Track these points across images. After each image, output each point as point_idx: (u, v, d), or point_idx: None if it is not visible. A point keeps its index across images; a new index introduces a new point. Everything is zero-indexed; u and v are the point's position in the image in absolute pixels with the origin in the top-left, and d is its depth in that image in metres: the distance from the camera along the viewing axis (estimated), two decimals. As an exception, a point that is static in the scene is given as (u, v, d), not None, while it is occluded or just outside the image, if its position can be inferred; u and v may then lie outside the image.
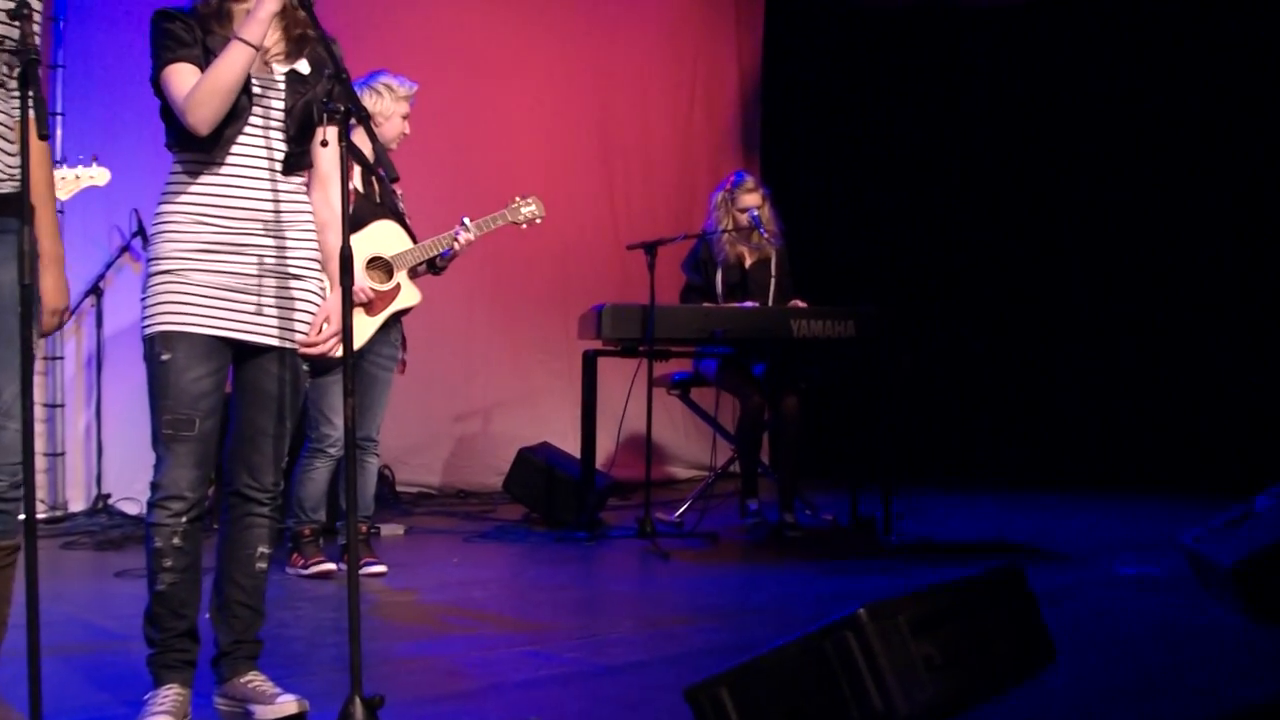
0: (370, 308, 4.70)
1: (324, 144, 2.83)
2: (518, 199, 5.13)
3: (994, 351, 8.82)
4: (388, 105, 4.84)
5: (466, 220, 4.93)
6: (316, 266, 2.95)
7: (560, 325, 7.72)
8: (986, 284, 8.86)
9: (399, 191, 4.94)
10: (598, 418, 5.91)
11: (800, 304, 5.88)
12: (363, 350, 4.72)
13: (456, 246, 4.89)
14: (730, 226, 6.01)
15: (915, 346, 5.86)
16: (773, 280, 6.08)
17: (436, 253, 4.87)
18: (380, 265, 4.76)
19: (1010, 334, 8.81)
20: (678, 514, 6.20)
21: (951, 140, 9.03)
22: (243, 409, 2.92)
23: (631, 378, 5.91)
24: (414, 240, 4.85)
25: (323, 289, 2.96)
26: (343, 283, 2.73)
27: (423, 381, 6.85)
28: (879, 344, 5.76)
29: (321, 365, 2.97)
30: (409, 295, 4.83)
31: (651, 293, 5.52)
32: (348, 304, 2.72)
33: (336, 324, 2.90)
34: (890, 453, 5.85)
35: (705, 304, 5.90)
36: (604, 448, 6.59)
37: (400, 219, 4.88)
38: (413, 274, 4.88)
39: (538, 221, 5.16)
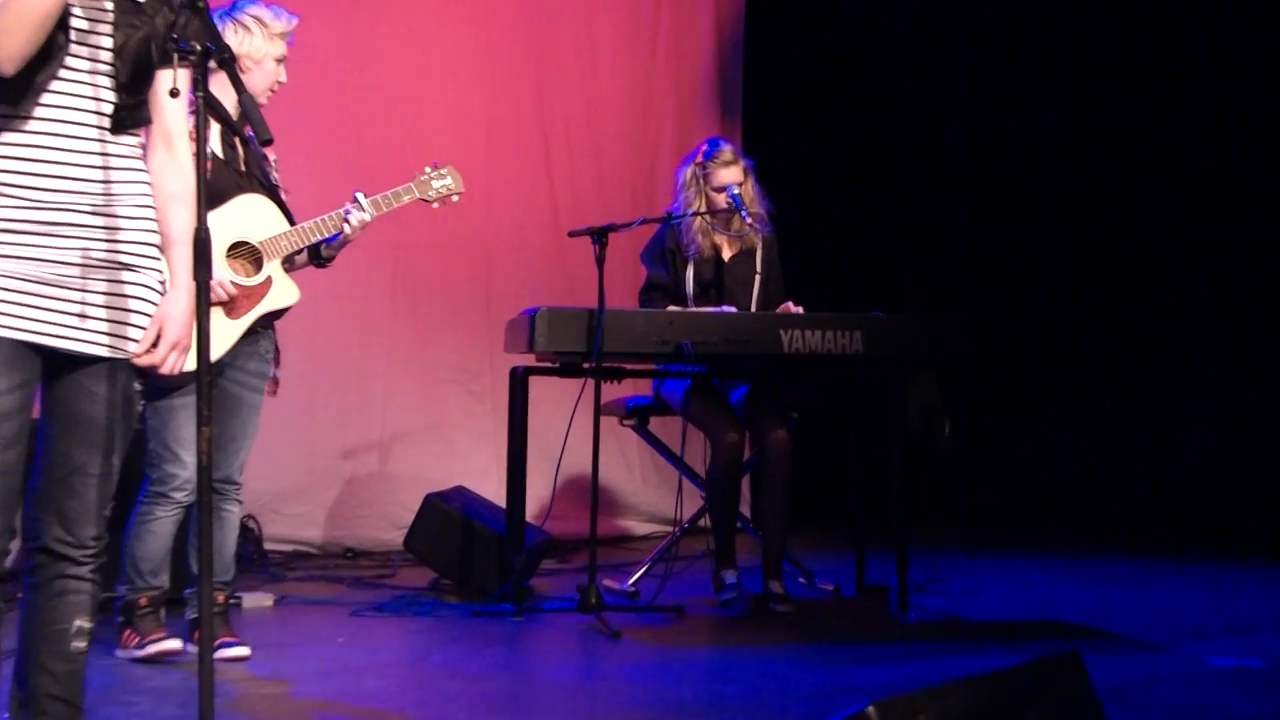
0: (231, 308, 4.67)
1: (173, 94, 2.84)
2: (428, 169, 5.15)
3: (1045, 374, 8.83)
4: (258, 45, 4.82)
5: (360, 196, 4.93)
6: (155, 254, 2.94)
7: (481, 335, 7.72)
8: (1034, 287, 8.87)
9: (272, 158, 4.93)
10: (529, 455, 5.90)
11: (793, 308, 5.85)
12: (220, 364, 4.70)
13: (347, 230, 4.89)
14: (703, 209, 6.02)
15: (940, 367, 5.86)
16: (757, 278, 6.10)
17: (321, 237, 4.86)
18: (246, 252, 4.74)
19: (1067, 352, 8.80)
20: (632, 581, 6.21)
21: (989, 106, 9.03)
22: (55, 440, 2.90)
23: (574, 404, 5.88)
24: (291, 222, 4.83)
25: (162, 284, 2.95)
26: (197, 276, 2.73)
27: (302, 406, 6.84)
28: (892, 362, 5.77)
29: (165, 382, 2.94)
30: (283, 293, 4.81)
31: (601, 293, 5.50)
32: (204, 303, 2.72)
33: (176, 333, 2.89)
34: (907, 504, 5.86)
35: (670, 308, 5.89)
36: (536, 494, 6.56)
37: (273, 193, 4.85)
38: (289, 265, 4.85)
39: (454, 199, 5.19)
